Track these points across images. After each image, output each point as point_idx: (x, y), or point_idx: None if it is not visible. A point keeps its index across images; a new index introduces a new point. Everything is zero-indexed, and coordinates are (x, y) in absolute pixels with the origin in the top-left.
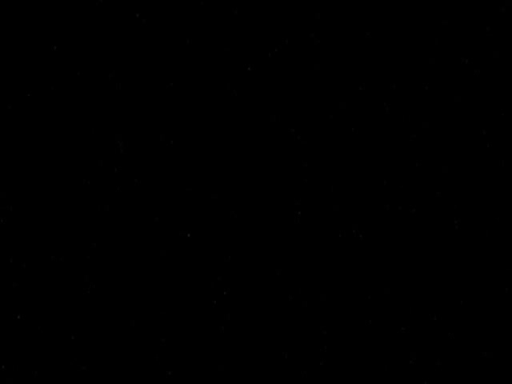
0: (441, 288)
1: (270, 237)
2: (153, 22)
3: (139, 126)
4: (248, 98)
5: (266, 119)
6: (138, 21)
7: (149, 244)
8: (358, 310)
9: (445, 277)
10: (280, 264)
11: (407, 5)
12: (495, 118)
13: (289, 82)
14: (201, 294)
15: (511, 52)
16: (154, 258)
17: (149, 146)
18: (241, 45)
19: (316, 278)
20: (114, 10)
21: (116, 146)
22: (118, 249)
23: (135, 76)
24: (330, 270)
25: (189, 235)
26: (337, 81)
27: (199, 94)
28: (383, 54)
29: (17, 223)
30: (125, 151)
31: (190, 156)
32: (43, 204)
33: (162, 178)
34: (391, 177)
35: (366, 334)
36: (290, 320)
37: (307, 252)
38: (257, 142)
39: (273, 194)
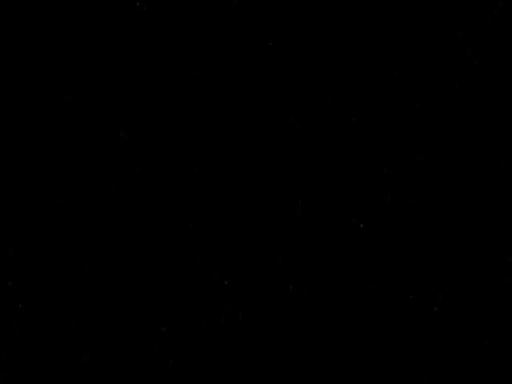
0: (442, 278)
1: (271, 226)
2: (153, 11)
3: (140, 114)
4: (248, 87)
5: (267, 108)
6: (139, 9)
7: (149, 233)
8: (358, 299)
9: (446, 267)
10: (281, 253)
11: None
12: (496, 107)
13: (289, 70)
14: (201, 284)
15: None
16: (154, 247)
17: (149, 132)
18: (242, 34)
19: (317, 267)
20: None
21: (117, 137)
22: (118, 238)
23: (135, 65)
24: (331, 259)
25: (190, 225)
26: (337, 70)
27: (199, 84)
28: (384, 43)
29: (16, 214)
30: (126, 142)
31: (190, 146)
32: (43, 195)
33: (163, 167)
34: (392, 166)
35: (366, 323)
36: (291, 309)
37: (308, 241)
38: (257, 131)
39: (273, 184)
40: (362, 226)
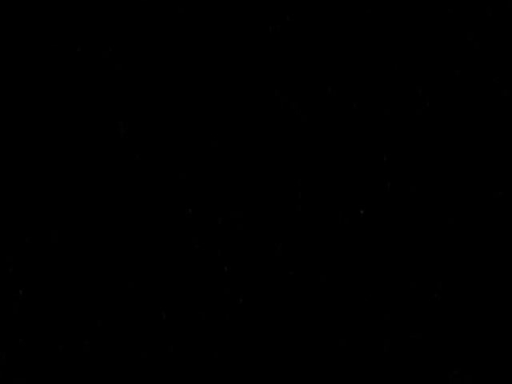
0: (442, 265)
1: (271, 213)
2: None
3: (140, 104)
4: (249, 75)
5: (267, 96)
6: None
7: (149, 219)
8: (358, 285)
9: (446, 254)
10: (280, 239)
11: None
12: (497, 93)
13: (290, 57)
14: (201, 270)
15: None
16: (154, 233)
17: (148, 119)
18: (242, 20)
19: (317, 253)
20: None
21: (117, 127)
22: (118, 224)
23: (135, 53)
24: (331, 245)
25: (190, 211)
26: (338, 56)
27: (199, 72)
28: (384, 29)
29: (16, 200)
30: (125, 132)
31: (190, 133)
32: (43, 182)
33: (163, 153)
34: (392, 153)
35: (366, 309)
36: (291, 294)
37: (308, 227)
38: (257, 119)
39: (273, 171)
40: (361, 212)
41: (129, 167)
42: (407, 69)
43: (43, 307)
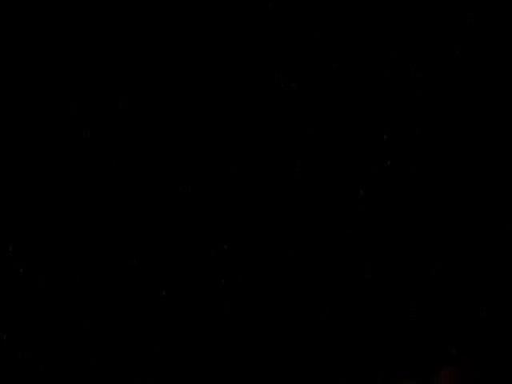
0: (442, 242)
1: (271, 192)
2: None
3: (140, 81)
4: (249, 51)
5: (267, 72)
6: None
7: (149, 197)
8: (357, 264)
9: (445, 232)
10: (280, 219)
11: None
12: (497, 71)
13: (291, 32)
14: (201, 248)
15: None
16: (154, 213)
17: (149, 97)
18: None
19: (316, 233)
20: None
21: (116, 102)
22: (119, 201)
23: (136, 30)
24: (331, 225)
25: (189, 189)
26: (338, 33)
27: (201, 51)
28: (385, 8)
29: (16, 179)
30: (124, 107)
31: (189, 110)
32: (41, 161)
33: (163, 132)
34: (392, 132)
35: (365, 288)
36: (290, 272)
37: (307, 207)
38: (257, 94)
39: (272, 149)
40: (361, 192)
41: (129, 142)
42: (408, 49)
43: (43, 286)
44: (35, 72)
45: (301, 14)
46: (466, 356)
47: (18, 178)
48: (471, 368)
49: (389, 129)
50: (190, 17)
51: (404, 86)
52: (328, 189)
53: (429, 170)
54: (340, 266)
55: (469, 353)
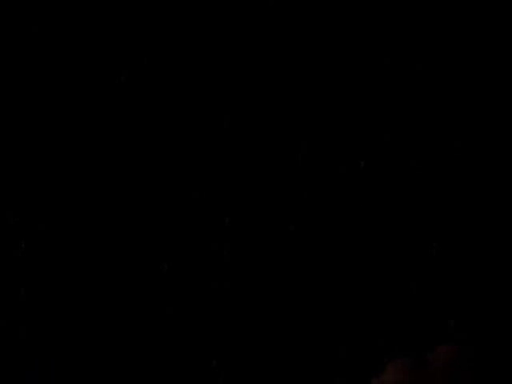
0: (441, 217)
1: (273, 165)
2: None
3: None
4: (251, 32)
5: (270, 47)
6: None
7: (151, 173)
8: (358, 237)
9: (445, 205)
10: (282, 192)
11: None
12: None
13: (291, 11)
14: (202, 222)
15: None
16: (157, 188)
17: (151, 73)
18: None
19: (317, 206)
20: None
21: (118, 75)
22: (122, 175)
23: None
24: (332, 197)
25: (190, 161)
26: (340, 9)
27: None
28: None
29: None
30: (126, 80)
31: (193, 86)
32: (41, 139)
33: (165, 107)
34: (392, 106)
35: (365, 260)
36: (291, 247)
37: (309, 180)
38: (260, 69)
39: (276, 123)
40: (362, 164)
41: (130, 118)
42: (408, 24)
43: (44, 261)
44: (39, 45)
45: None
46: (462, 333)
47: (17, 154)
48: (467, 345)
49: (389, 102)
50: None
51: (404, 61)
52: (329, 160)
53: (428, 143)
54: (341, 236)
55: (465, 329)
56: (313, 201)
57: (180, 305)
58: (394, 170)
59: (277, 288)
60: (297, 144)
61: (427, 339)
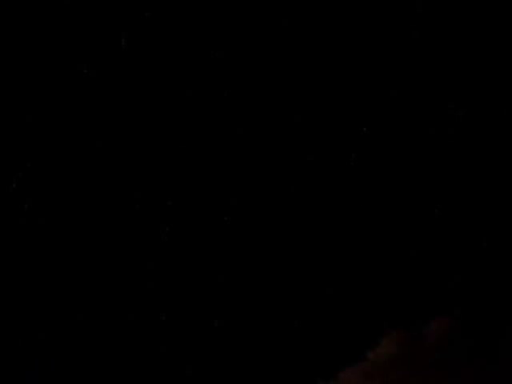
0: (442, 180)
1: (274, 134)
2: None
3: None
4: None
5: (273, 15)
6: None
7: (153, 151)
8: (360, 202)
9: (447, 168)
10: (282, 157)
11: None
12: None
13: None
14: (201, 184)
15: None
16: (162, 173)
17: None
18: None
19: (318, 169)
20: None
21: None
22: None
23: None
24: (334, 163)
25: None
26: None
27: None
28: None
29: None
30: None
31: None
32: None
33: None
34: (391, 74)
35: (366, 224)
36: (292, 211)
37: (310, 146)
38: (263, 41)
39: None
40: (364, 130)
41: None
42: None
43: (47, 223)
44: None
45: None
46: (457, 307)
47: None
48: (462, 318)
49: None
50: None
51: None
52: (331, 127)
53: (428, 114)
54: (342, 201)
55: (461, 303)
56: (314, 164)
57: (182, 266)
58: (395, 136)
59: (277, 252)
60: (297, 110)
61: (422, 313)
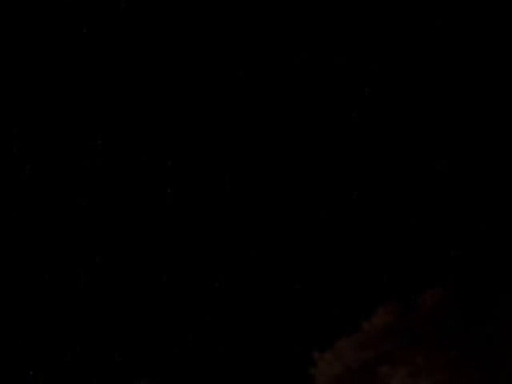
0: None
1: (275, 112)
2: None
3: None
4: None
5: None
6: None
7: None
8: (361, 170)
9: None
10: (284, 126)
11: None
12: None
13: None
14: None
15: None
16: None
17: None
18: None
19: (320, 133)
20: None
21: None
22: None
23: None
24: (335, 128)
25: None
26: None
27: None
28: None
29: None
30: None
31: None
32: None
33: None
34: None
35: (366, 191)
36: (293, 183)
37: (311, 116)
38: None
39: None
40: (366, 90)
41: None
42: None
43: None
44: None
45: None
46: (450, 277)
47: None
48: (455, 289)
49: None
50: None
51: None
52: (334, 88)
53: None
54: (343, 167)
55: (456, 273)
56: (315, 130)
57: (183, 231)
58: (396, 102)
59: (278, 223)
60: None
61: (416, 284)
